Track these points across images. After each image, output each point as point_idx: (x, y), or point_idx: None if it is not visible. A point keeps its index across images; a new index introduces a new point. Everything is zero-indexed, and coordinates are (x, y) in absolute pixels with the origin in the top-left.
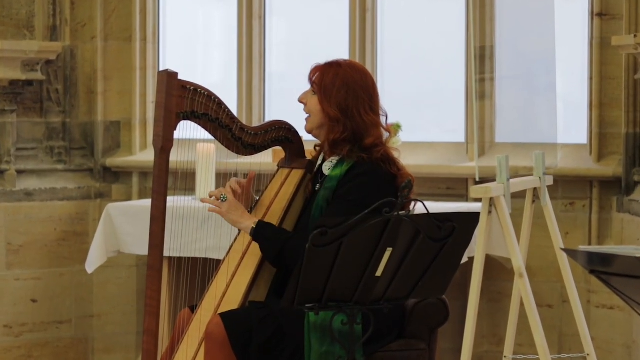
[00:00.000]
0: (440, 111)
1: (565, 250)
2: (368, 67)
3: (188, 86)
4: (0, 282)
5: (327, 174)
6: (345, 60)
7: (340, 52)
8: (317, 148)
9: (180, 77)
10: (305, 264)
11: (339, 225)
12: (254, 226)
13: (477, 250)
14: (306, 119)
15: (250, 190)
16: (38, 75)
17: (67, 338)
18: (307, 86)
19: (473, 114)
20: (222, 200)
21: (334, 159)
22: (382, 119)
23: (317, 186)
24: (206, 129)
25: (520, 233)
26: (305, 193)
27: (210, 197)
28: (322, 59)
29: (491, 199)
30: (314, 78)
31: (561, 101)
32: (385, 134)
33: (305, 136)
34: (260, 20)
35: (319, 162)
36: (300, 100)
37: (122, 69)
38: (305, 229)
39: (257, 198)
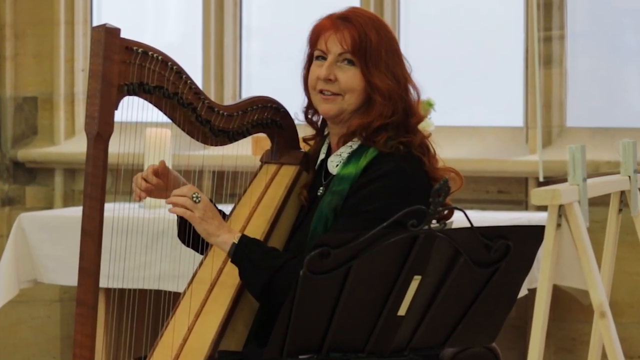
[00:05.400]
0: (488, 84)
1: None
2: None
3: (135, 48)
4: None
5: (335, 173)
6: (359, 10)
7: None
8: (318, 138)
9: (123, 35)
10: (299, 298)
11: (346, 244)
12: (236, 242)
13: (540, 279)
14: (330, 100)
15: (173, 179)
16: None
17: None
18: (304, 48)
19: (535, 88)
20: (196, 202)
21: (343, 152)
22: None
23: (321, 190)
24: (160, 108)
25: (601, 255)
26: (299, 200)
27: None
28: (321, 10)
29: (561, 206)
30: (344, 43)
31: None
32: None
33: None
34: None
35: (322, 155)
36: (326, 78)
37: (40, 24)
38: (303, 250)
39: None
